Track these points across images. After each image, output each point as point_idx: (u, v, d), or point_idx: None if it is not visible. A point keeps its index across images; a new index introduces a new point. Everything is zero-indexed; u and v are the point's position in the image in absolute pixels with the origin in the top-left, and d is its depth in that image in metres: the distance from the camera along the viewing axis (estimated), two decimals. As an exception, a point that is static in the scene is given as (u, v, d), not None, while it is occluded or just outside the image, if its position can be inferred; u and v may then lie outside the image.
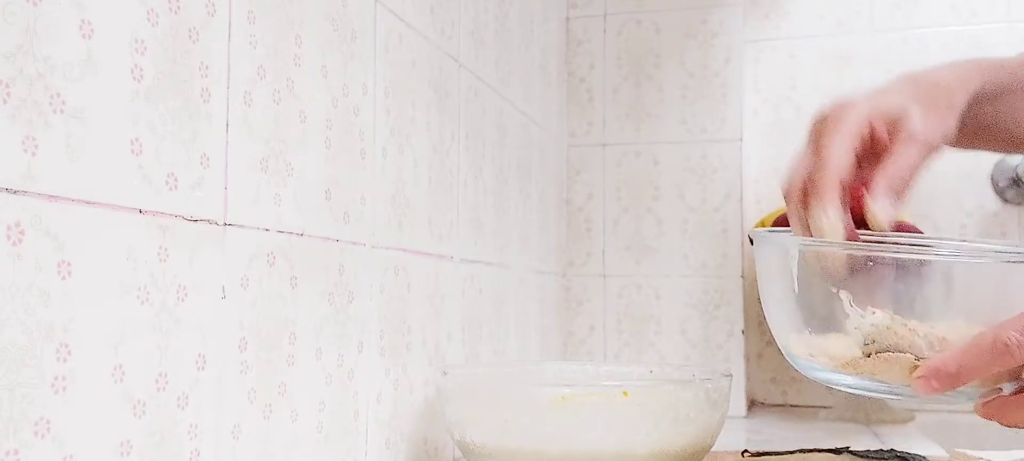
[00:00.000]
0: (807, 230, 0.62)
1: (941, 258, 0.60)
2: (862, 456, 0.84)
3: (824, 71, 1.58)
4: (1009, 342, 0.51)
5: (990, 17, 1.53)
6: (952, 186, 1.51)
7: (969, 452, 0.79)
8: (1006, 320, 0.52)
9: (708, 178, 1.39)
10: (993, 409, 0.55)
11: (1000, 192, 1.49)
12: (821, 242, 0.59)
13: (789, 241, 0.61)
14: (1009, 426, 0.56)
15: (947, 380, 0.53)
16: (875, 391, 0.57)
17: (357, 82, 0.75)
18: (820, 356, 0.58)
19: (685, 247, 1.39)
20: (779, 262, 0.60)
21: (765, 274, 0.63)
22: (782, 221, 1.38)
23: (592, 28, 1.45)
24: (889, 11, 1.57)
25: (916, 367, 0.55)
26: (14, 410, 0.41)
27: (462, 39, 0.99)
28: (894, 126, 0.64)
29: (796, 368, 0.61)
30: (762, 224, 1.43)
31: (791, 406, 1.50)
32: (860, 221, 0.62)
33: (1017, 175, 1.46)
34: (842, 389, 0.59)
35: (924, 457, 0.83)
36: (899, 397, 0.57)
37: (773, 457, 0.87)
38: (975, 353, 0.52)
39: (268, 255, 0.62)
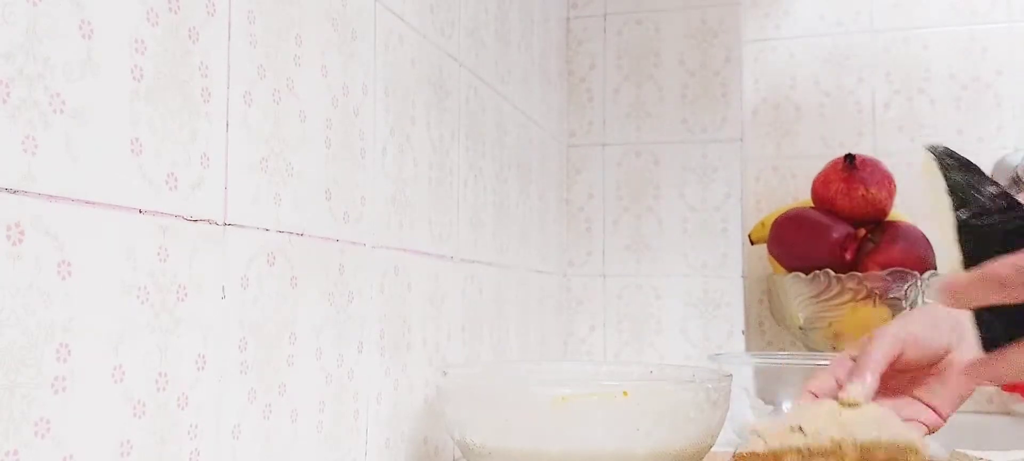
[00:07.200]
0: None
1: None
2: (862, 456, 0.83)
3: (824, 71, 1.58)
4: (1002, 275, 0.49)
5: (990, 17, 1.53)
6: (952, 186, 1.51)
7: (969, 452, 0.79)
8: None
9: (708, 178, 1.39)
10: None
11: (1000, 192, 1.49)
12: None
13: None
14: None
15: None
16: None
17: (357, 82, 0.75)
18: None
19: (685, 247, 1.39)
20: None
21: None
22: (782, 221, 1.38)
23: (592, 28, 1.45)
24: (889, 11, 1.57)
25: None
26: (14, 410, 0.41)
27: (462, 39, 0.99)
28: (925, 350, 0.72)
29: None
30: (762, 225, 1.43)
31: (791, 406, 1.50)
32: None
33: (1017, 175, 1.46)
34: None
35: (924, 457, 0.83)
36: None
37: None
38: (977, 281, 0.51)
39: (268, 255, 0.62)
